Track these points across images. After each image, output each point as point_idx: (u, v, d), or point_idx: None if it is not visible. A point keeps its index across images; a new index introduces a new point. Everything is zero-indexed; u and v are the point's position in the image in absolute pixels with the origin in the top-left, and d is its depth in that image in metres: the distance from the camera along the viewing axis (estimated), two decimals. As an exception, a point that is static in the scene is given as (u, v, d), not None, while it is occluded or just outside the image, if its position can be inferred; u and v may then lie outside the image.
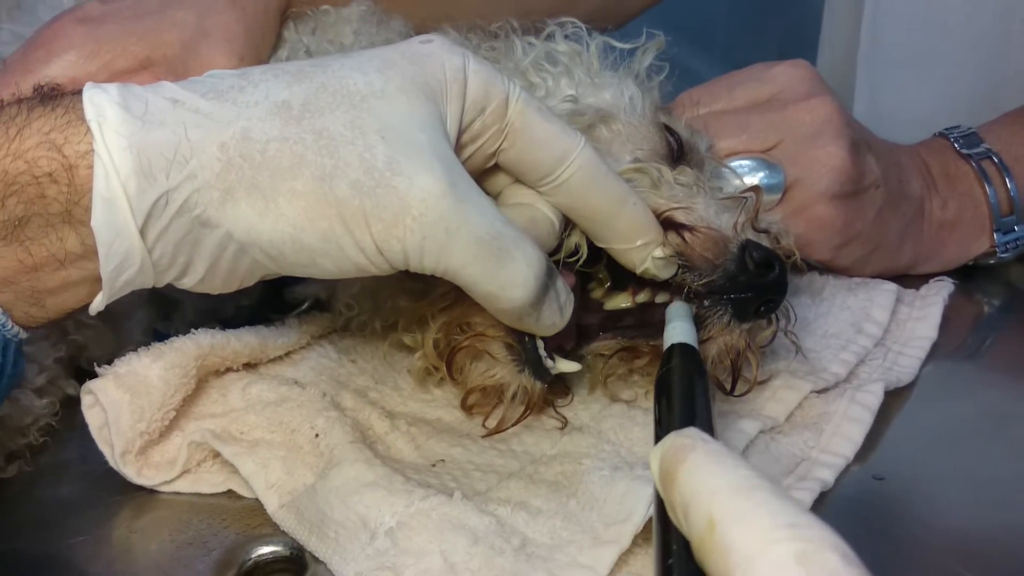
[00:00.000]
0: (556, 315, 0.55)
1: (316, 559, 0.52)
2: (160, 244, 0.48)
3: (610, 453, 0.57)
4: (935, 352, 0.72)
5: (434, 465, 0.57)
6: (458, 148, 0.52)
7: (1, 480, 0.59)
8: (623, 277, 0.61)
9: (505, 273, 0.51)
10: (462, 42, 0.68)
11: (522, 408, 0.60)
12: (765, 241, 0.61)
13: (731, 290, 0.59)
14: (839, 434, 0.61)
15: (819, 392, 0.64)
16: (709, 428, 0.48)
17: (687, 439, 0.41)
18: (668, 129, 0.66)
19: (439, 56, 0.52)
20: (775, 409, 0.62)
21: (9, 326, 0.49)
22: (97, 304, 0.50)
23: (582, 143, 0.55)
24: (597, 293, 0.62)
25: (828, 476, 0.57)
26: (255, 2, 0.69)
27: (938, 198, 0.81)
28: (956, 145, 0.83)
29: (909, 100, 1.06)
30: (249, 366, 0.63)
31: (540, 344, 0.59)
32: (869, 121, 0.83)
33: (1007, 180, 0.81)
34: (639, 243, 0.57)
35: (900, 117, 1.03)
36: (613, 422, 0.60)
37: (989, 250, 0.83)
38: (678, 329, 0.55)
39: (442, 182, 0.48)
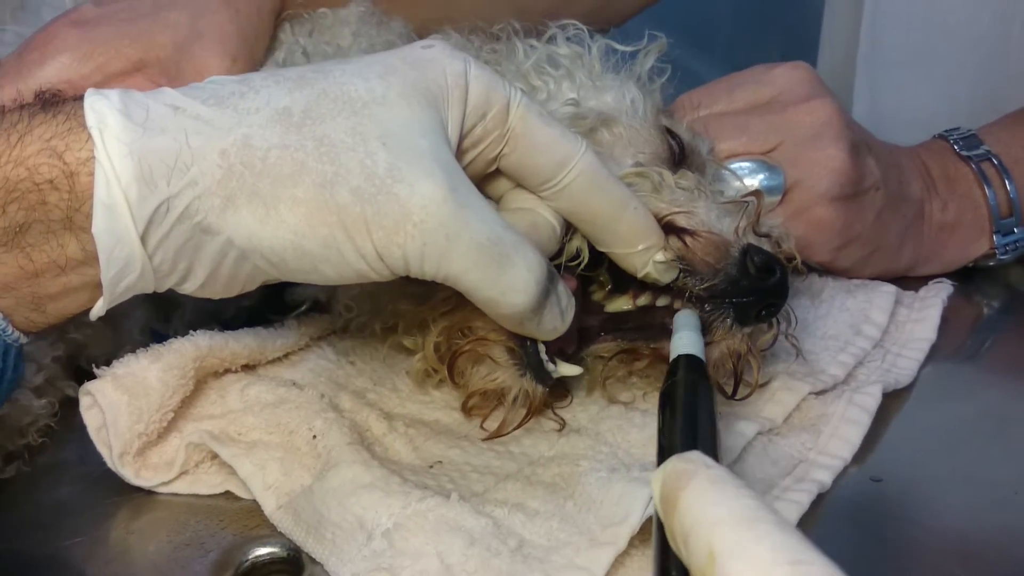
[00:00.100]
0: (557, 319, 0.55)
1: (313, 560, 0.52)
2: (161, 250, 0.48)
3: (607, 455, 0.57)
4: (934, 354, 0.72)
5: (432, 466, 0.58)
6: (459, 153, 0.52)
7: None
8: (624, 279, 0.60)
9: (506, 278, 0.51)
10: (463, 45, 0.68)
11: (523, 411, 0.60)
12: (766, 245, 0.61)
13: (732, 294, 0.59)
14: (837, 436, 0.61)
15: (817, 394, 0.64)
16: (712, 444, 0.48)
17: (689, 464, 0.41)
18: (670, 132, 0.66)
19: (440, 61, 0.52)
20: (773, 411, 0.62)
21: (9, 331, 0.49)
22: (98, 309, 0.50)
23: (583, 148, 0.55)
24: (598, 295, 0.62)
25: (826, 478, 0.57)
26: (249, 3, 0.69)
27: (938, 200, 0.81)
28: (956, 147, 0.83)
29: (909, 101, 1.06)
30: (248, 367, 0.63)
31: (541, 348, 0.59)
32: (869, 122, 0.83)
33: (1007, 182, 0.81)
34: (640, 247, 0.57)
35: (900, 118, 1.03)
36: (611, 424, 0.60)
37: (988, 252, 0.83)
38: (685, 340, 0.55)
39: (443, 188, 0.48)
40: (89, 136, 0.46)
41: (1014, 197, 0.81)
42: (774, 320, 0.62)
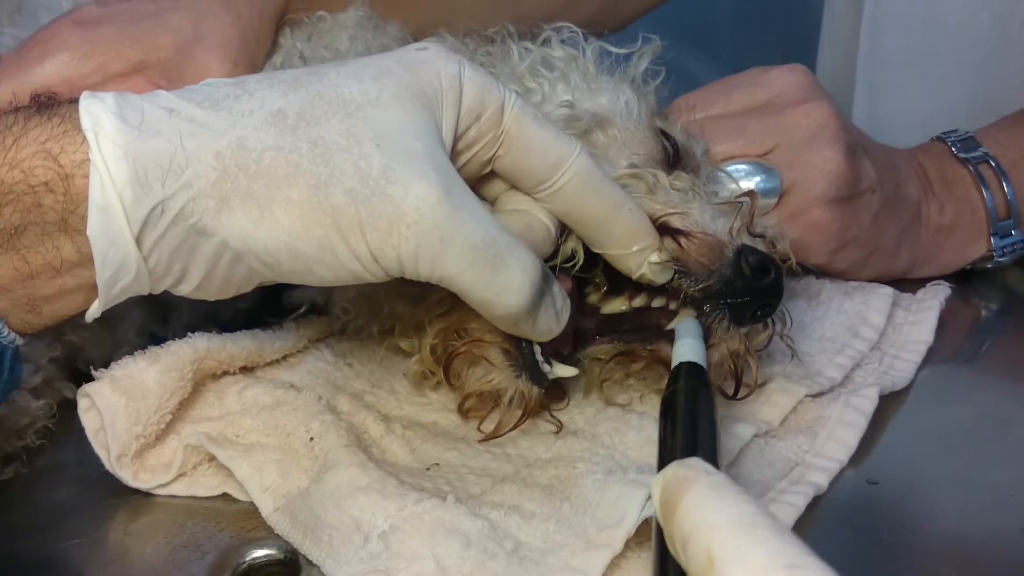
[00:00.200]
0: (552, 321, 0.55)
1: (310, 562, 0.53)
2: (156, 252, 0.48)
3: (604, 457, 0.57)
4: (931, 356, 0.72)
5: (428, 469, 0.58)
6: (454, 155, 0.52)
7: (-2, 482, 0.60)
8: (620, 281, 0.61)
9: (500, 280, 0.51)
10: (458, 48, 0.68)
11: (519, 413, 0.60)
12: (761, 246, 0.62)
13: (727, 295, 0.59)
14: (833, 438, 0.61)
15: (814, 396, 0.64)
16: (713, 453, 0.48)
17: (689, 470, 0.41)
18: (664, 134, 0.66)
19: (435, 63, 0.52)
20: (769, 413, 0.62)
21: (5, 333, 0.49)
22: (93, 311, 0.50)
23: (577, 149, 0.55)
24: (593, 297, 0.62)
25: (822, 480, 0.57)
26: (251, 8, 0.69)
27: (935, 202, 0.81)
28: (954, 149, 0.83)
29: (908, 102, 1.06)
30: (246, 370, 0.64)
31: (537, 349, 0.59)
32: (869, 123, 0.83)
33: (1004, 184, 0.81)
34: (635, 249, 0.57)
35: (900, 119, 1.03)
36: (608, 426, 0.60)
37: (986, 254, 0.83)
38: (687, 347, 0.55)
39: (437, 190, 0.49)
40: (84, 139, 0.47)
41: (1012, 199, 0.81)
42: (769, 321, 0.62)
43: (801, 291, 0.77)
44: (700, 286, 0.59)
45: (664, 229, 0.59)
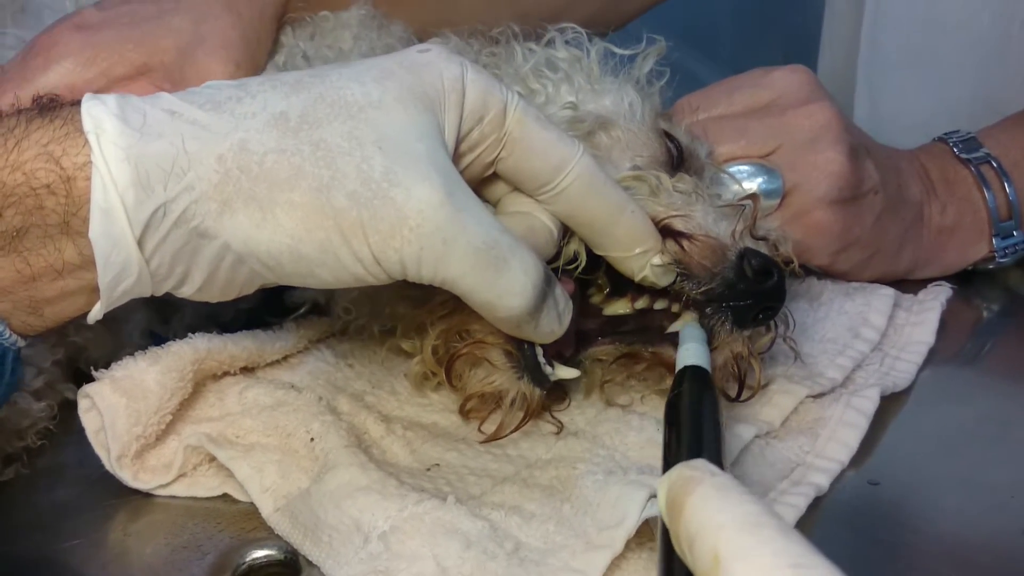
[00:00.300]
0: (555, 323, 0.55)
1: (310, 563, 0.53)
2: (158, 255, 0.48)
3: (604, 458, 0.57)
4: (933, 357, 0.72)
5: (429, 469, 0.58)
6: (456, 157, 0.52)
7: (-1, 483, 0.60)
8: (622, 283, 0.61)
9: (502, 282, 0.51)
10: (462, 49, 0.68)
11: (521, 414, 0.60)
12: (764, 248, 0.62)
13: (730, 298, 0.59)
14: (835, 439, 0.61)
15: (815, 397, 0.64)
16: (718, 456, 0.48)
17: (695, 471, 0.41)
18: (668, 135, 0.66)
19: (437, 65, 0.52)
20: (770, 414, 0.62)
21: (7, 335, 0.49)
22: (95, 313, 0.50)
23: (580, 152, 0.55)
24: (596, 299, 0.62)
25: (823, 481, 0.57)
26: (251, 8, 0.69)
27: (937, 203, 0.81)
28: (955, 150, 0.83)
29: (909, 103, 1.06)
30: (246, 370, 0.64)
31: (539, 351, 0.59)
32: (870, 124, 0.83)
33: (1006, 185, 0.81)
34: (637, 251, 0.57)
35: (901, 120, 1.03)
36: (609, 427, 0.60)
37: (988, 255, 0.83)
38: (691, 351, 0.55)
39: (439, 192, 0.48)
40: (86, 141, 0.46)
41: (1013, 200, 0.81)
42: (772, 323, 0.62)
43: (802, 292, 0.77)
44: (702, 289, 0.59)
45: (667, 231, 0.59)
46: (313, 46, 0.71)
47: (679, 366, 0.55)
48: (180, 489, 0.58)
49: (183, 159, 0.47)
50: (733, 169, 0.72)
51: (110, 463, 0.57)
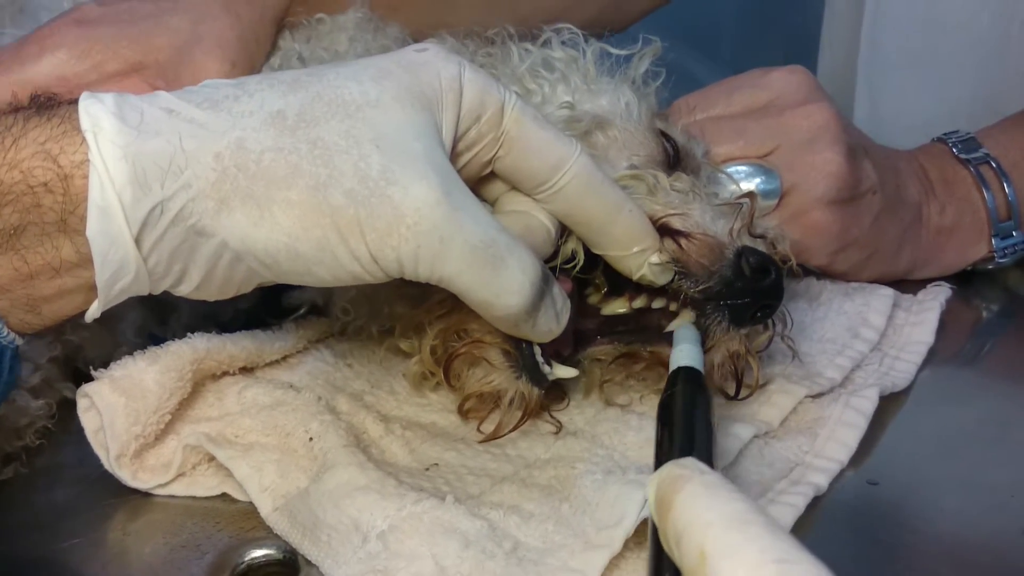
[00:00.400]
0: (552, 322, 0.55)
1: (309, 562, 0.53)
2: (155, 253, 0.48)
3: (603, 457, 0.57)
4: (932, 357, 0.72)
5: (428, 469, 0.58)
6: (454, 156, 0.52)
7: (-2, 482, 0.60)
8: (620, 282, 0.61)
9: (500, 281, 0.51)
10: (458, 49, 0.68)
11: (519, 414, 0.60)
12: (761, 247, 0.62)
13: (728, 296, 0.59)
14: (833, 439, 0.61)
15: (814, 397, 0.64)
16: (709, 456, 0.49)
17: (684, 469, 0.41)
18: (664, 135, 0.66)
19: (434, 65, 0.52)
20: (769, 414, 0.62)
21: (5, 333, 0.49)
22: (93, 312, 0.50)
23: (578, 150, 0.55)
24: (594, 298, 0.62)
25: (822, 481, 0.57)
26: (250, 10, 0.69)
27: (936, 203, 0.81)
28: (954, 150, 0.83)
29: (909, 103, 1.06)
30: (246, 370, 0.64)
31: (537, 350, 0.59)
32: (869, 124, 0.83)
33: (1005, 185, 0.81)
34: (635, 250, 0.57)
35: (901, 120, 1.03)
36: (607, 426, 0.60)
37: (987, 255, 0.83)
38: (684, 352, 0.55)
39: (436, 191, 0.49)
40: (83, 139, 0.47)
41: (1012, 200, 0.81)
42: (770, 322, 0.62)
43: (801, 292, 0.77)
44: (700, 287, 0.59)
45: (664, 230, 0.59)
46: (309, 48, 0.72)
47: (672, 367, 0.55)
48: (179, 488, 0.58)
49: (180, 157, 0.47)
50: (731, 169, 0.72)
51: (109, 462, 0.57)
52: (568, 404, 0.63)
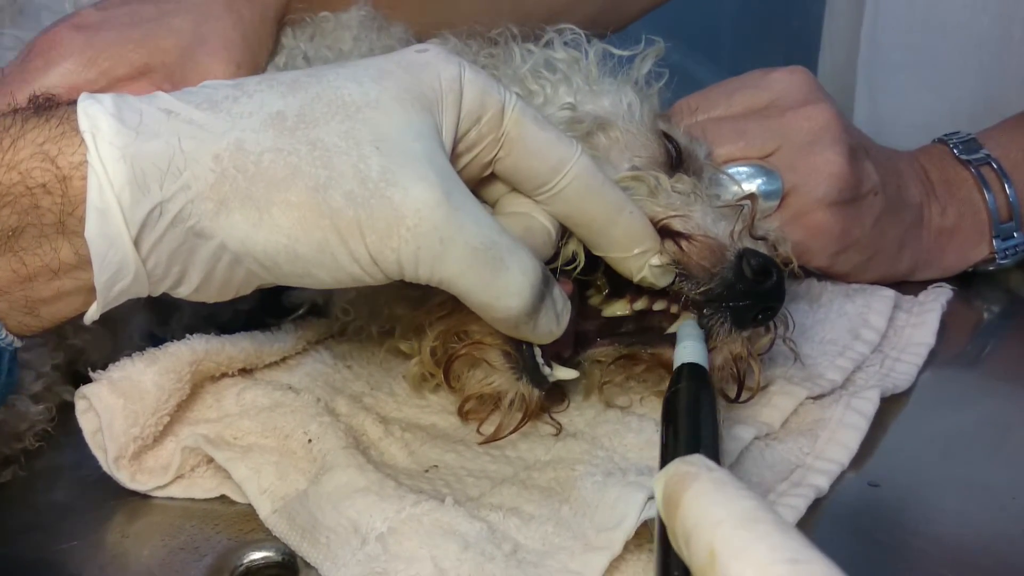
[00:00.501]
0: (553, 323, 0.55)
1: (308, 564, 0.52)
2: (154, 255, 0.48)
3: (603, 459, 0.57)
4: (934, 359, 0.72)
5: (427, 471, 0.57)
6: (454, 158, 0.52)
7: (-4, 484, 0.60)
8: (621, 284, 0.60)
9: (500, 282, 0.51)
10: (460, 50, 0.68)
11: (519, 415, 0.60)
12: (763, 249, 0.61)
13: (729, 298, 0.59)
14: (834, 440, 0.61)
15: (815, 398, 0.64)
16: (715, 453, 0.49)
17: (691, 467, 0.41)
18: (666, 136, 0.66)
19: (435, 66, 0.52)
20: (770, 415, 0.62)
21: (3, 335, 0.49)
22: (92, 314, 0.50)
23: (578, 152, 0.54)
24: (595, 300, 0.62)
25: (823, 483, 0.57)
26: (252, 9, 0.69)
27: (937, 204, 0.81)
28: (955, 151, 0.83)
29: (910, 104, 1.06)
30: (245, 371, 0.63)
31: (537, 352, 0.59)
32: (870, 125, 0.83)
33: (1006, 186, 0.81)
34: (636, 252, 0.57)
35: (901, 121, 1.03)
36: (608, 428, 0.60)
37: (988, 256, 0.83)
38: (688, 349, 0.55)
39: (437, 192, 0.48)
40: (82, 140, 0.46)
41: (1014, 201, 0.81)
42: (771, 324, 0.62)
43: (802, 293, 0.77)
44: (701, 289, 0.59)
45: (665, 232, 0.59)
46: (313, 47, 0.71)
47: (676, 363, 0.55)
48: (178, 490, 0.58)
49: (179, 158, 0.47)
50: (732, 170, 0.72)
51: (107, 464, 0.57)
52: (568, 406, 0.63)
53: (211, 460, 0.58)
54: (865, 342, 0.71)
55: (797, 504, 0.55)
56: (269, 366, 0.65)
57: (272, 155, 0.48)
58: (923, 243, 0.81)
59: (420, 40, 0.73)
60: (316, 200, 0.48)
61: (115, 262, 0.47)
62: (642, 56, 0.68)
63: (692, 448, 0.48)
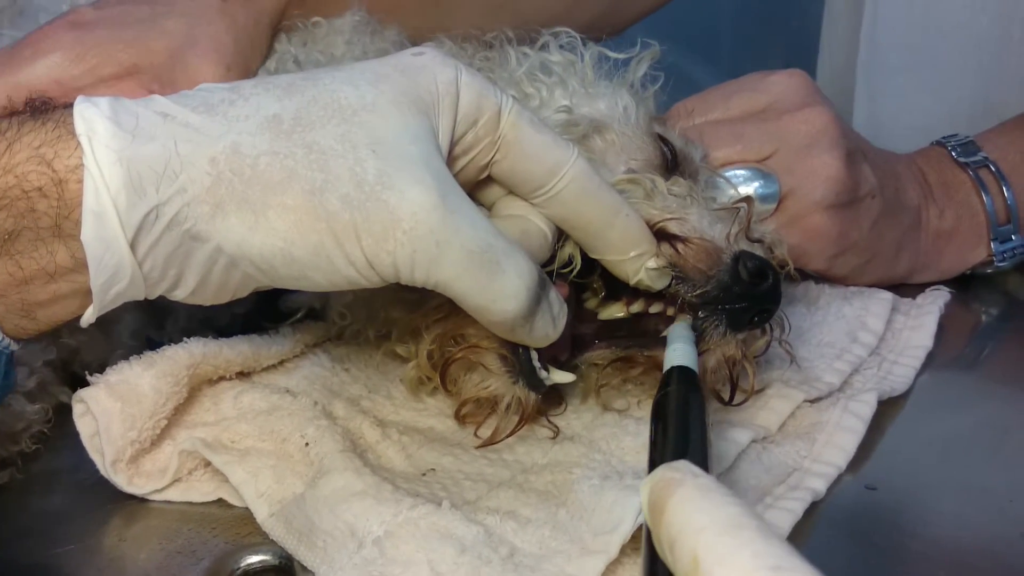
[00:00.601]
0: (549, 326, 0.55)
1: (304, 568, 0.52)
2: (150, 258, 0.48)
3: (601, 463, 0.57)
4: (931, 361, 0.72)
5: (424, 474, 0.57)
6: (450, 161, 0.52)
7: (-6, 487, 0.60)
8: (617, 287, 0.60)
9: (496, 285, 0.51)
10: (456, 53, 0.68)
11: (516, 419, 0.60)
12: (759, 251, 0.61)
13: (725, 300, 0.59)
14: (831, 443, 0.61)
15: (812, 401, 0.64)
16: (703, 457, 0.48)
17: (677, 473, 0.41)
18: (662, 139, 0.66)
19: (431, 69, 0.52)
20: (767, 418, 0.62)
21: (0, 338, 0.49)
22: (88, 317, 0.50)
23: (575, 155, 0.54)
24: (591, 303, 0.62)
25: (820, 486, 0.57)
26: (246, 13, 0.69)
27: (935, 207, 0.81)
28: (953, 154, 0.83)
29: (909, 105, 1.06)
30: (242, 375, 0.63)
31: (534, 355, 0.59)
32: (868, 127, 0.83)
33: (1004, 189, 0.81)
34: (632, 254, 0.57)
35: (900, 122, 1.03)
36: (605, 431, 0.60)
37: (986, 259, 0.83)
38: (678, 352, 0.55)
39: (433, 195, 0.48)
40: (78, 144, 0.46)
41: (1012, 204, 0.81)
42: (767, 326, 0.62)
43: (800, 296, 0.77)
44: (698, 292, 0.59)
45: (661, 235, 0.59)
46: (305, 52, 0.71)
47: (666, 366, 0.54)
48: (175, 494, 0.58)
49: (175, 162, 0.47)
50: (729, 173, 0.72)
51: (105, 468, 0.57)
52: (565, 409, 0.63)
53: (208, 464, 0.58)
54: (863, 345, 0.71)
55: (794, 507, 0.55)
56: (266, 369, 0.65)
57: (268, 158, 0.48)
58: (921, 246, 0.81)
59: (415, 44, 0.73)
60: (312, 203, 0.48)
61: (111, 265, 0.47)
62: (638, 59, 0.69)
63: (679, 452, 0.47)
